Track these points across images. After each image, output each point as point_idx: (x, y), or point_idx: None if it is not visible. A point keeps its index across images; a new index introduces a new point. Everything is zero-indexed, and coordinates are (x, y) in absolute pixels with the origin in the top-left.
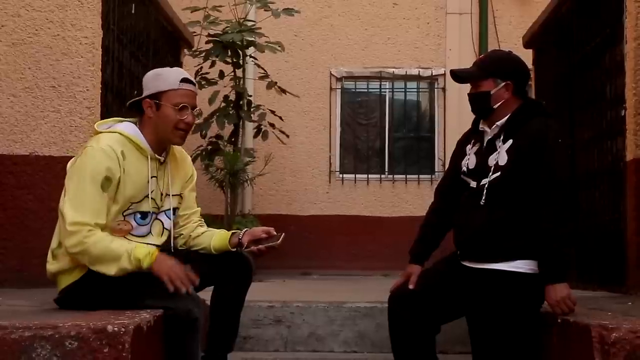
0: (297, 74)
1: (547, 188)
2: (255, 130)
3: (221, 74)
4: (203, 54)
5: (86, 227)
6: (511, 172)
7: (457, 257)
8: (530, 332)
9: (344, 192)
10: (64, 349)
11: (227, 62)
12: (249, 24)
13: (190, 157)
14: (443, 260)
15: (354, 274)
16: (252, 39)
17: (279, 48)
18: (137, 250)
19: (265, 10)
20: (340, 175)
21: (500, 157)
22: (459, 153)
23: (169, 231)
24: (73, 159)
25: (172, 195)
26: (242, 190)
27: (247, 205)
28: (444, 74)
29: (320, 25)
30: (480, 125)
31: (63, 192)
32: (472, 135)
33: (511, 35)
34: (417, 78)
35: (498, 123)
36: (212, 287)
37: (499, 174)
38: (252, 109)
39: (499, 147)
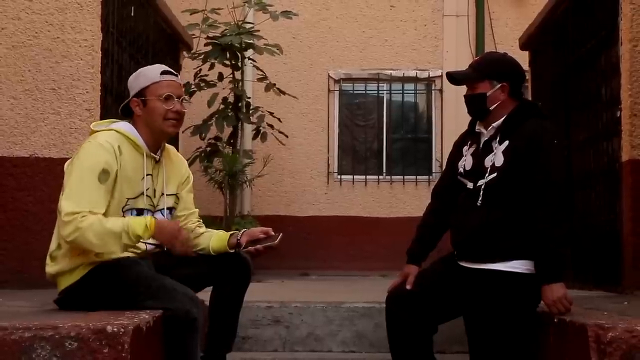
0: (296, 75)
1: (543, 189)
2: (254, 132)
3: (220, 76)
4: (202, 56)
5: (80, 214)
6: (507, 173)
7: (454, 257)
8: (527, 331)
9: (342, 193)
10: (64, 350)
11: (225, 65)
12: (248, 26)
13: (190, 158)
14: (440, 261)
15: (352, 274)
16: (251, 41)
17: (277, 50)
18: (134, 226)
19: (263, 13)
20: (339, 177)
21: (496, 158)
22: (456, 154)
23: None
24: (70, 159)
25: (168, 194)
26: (241, 192)
27: (246, 206)
28: (441, 76)
29: (318, 28)
30: (477, 127)
31: (61, 191)
32: (469, 136)
33: (507, 37)
34: (415, 80)
35: (494, 124)
36: (211, 287)
37: (495, 175)
38: (250, 111)
39: (495, 148)
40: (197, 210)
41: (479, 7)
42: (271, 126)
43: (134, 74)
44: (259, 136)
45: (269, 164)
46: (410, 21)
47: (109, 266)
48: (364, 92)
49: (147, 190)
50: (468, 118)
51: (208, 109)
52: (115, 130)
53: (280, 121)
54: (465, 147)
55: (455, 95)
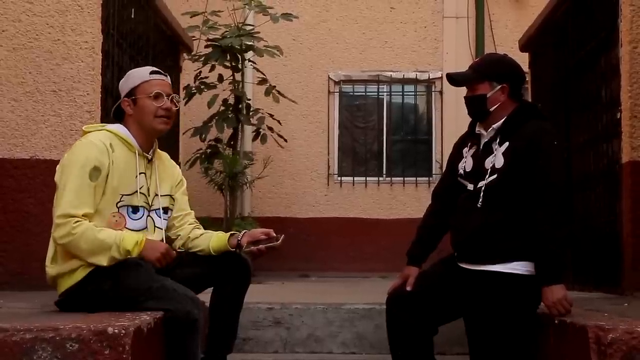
0: (296, 77)
1: (542, 191)
2: (254, 133)
3: (220, 78)
4: (202, 58)
5: (74, 218)
6: (507, 175)
7: (454, 258)
8: (527, 333)
9: (342, 194)
10: (65, 351)
11: (226, 66)
12: (248, 28)
13: (190, 160)
14: (440, 262)
15: (353, 275)
16: (251, 43)
17: (278, 52)
18: (125, 241)
19: (263, 15)
20: (339, 178)
21: (496, 159)
22: (456, 156)
23: (162, 230)
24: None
25: (162, 195)
26: (241, 193)
27: (246, 208)
28: (441, 77)
29: (318, 30)
30: (477, 128)
31: (56, 190)
32: (469, 138)
33: (507, 39)
34: (415, 81)
35: (494, 126)
36: (212, 288)
37: (495, 176)
38: (251, 113)
39: (496, 149)
40: (192, 211)
41: (479, 9)
42: (271, 128)
43: (124, 77)
44: (259, 138)
45: (269, 166)
46: (410, 23)
47: (110, 268)
48: (364, 93)
49: (140, 188)
50: (468, 119)
51: (208, 110)
52: (106, 130)
53: (280, 123)
54: (466, 149)
55: (455, 97)
